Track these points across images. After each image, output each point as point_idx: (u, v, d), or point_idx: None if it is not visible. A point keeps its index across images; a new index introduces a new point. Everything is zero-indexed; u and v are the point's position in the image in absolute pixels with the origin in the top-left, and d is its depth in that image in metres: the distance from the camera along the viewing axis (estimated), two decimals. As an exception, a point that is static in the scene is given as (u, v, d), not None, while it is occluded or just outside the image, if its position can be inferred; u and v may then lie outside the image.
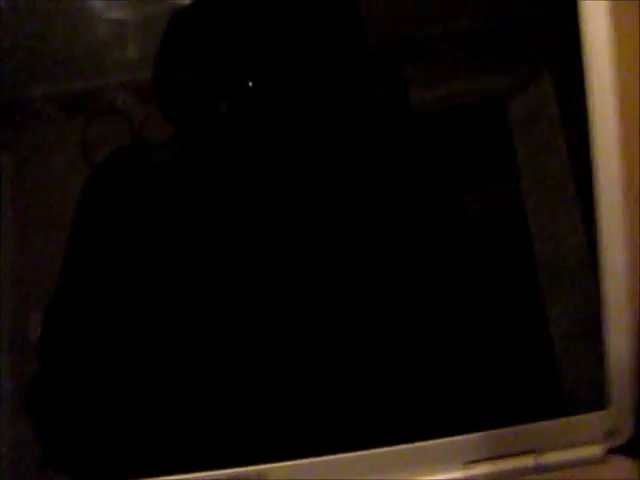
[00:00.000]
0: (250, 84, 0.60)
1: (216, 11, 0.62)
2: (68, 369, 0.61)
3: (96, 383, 0.60)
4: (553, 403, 0.60)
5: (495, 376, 0.60)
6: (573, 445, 0.55)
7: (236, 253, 0.58)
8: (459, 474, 0.56)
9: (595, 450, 0.55)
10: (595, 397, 0.57)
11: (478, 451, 0.56)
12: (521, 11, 0.77)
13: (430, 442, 0.56)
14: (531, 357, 0.62)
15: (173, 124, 0.65)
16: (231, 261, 0.58)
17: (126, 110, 0.73)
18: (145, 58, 0.74)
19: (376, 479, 0.56)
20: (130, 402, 0.59)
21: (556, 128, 0.74)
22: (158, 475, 0.53)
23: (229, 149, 0.62)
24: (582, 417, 0.56)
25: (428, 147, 0.69)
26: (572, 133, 0.71)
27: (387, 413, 0.59)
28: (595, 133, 0.56)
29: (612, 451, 0.56)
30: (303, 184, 0.61)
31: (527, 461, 0.56)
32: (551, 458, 0.56)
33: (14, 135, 0.73)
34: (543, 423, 0.57)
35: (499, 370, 0.60)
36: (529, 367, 0.62)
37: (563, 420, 0.56)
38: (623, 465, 0.55)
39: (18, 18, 0.72)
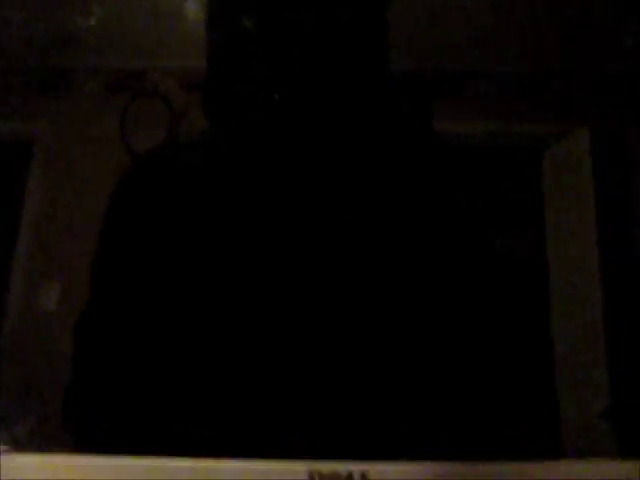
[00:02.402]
0: (276, 96, 0.61)
1: (266, 15, 0.63)
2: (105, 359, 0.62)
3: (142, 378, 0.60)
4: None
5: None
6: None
7: (272, 249, 0.59)
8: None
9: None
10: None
11: None
12: (567, 62, 0.78)
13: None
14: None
15: (214, 119, 0.65)
16: (268, 256, 0.59)
17: (168, 95, 0.74)
18: (193, 47, 0.74)
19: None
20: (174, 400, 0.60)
21: (587, 180, 0.75)
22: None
23: (265, 150, 0.62)
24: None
25: (454, 181, 0.69)
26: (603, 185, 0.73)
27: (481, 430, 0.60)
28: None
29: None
30: (325, 195, 0.62)
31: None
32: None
33: (54, 103, 0.73)
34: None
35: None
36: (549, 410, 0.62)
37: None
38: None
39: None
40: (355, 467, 0.54)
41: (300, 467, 0.54)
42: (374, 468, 0.54)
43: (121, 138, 0.72)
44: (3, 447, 0.52)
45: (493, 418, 0.61)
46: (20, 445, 0.61)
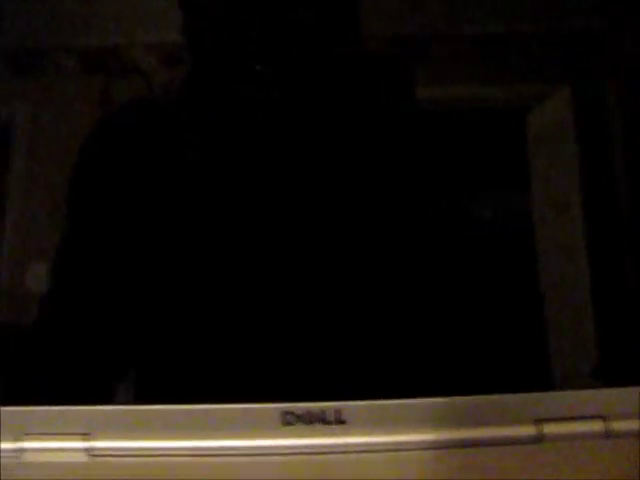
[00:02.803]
0: (258, 68, 0.60)
1: None
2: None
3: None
4: (623, 372, 0.62)
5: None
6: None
7: (237, 208, 0.58)
8: (530, 430, 0.57)
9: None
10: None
11: (549, 410, 0.57)
12: (549, 20, 0.78)
13: (503, 396, 0.57)
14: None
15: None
16: (234, 213, 0.58)
17: (149, 72, 0.73)
18: (173, 20, 0.73)
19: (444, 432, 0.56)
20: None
21: (571, 143, 0.75)
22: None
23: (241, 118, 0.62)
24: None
25: (436, 148, 0.69)
26: (586, 149, 0.72)
27: (461, 363, 0.60)
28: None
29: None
30: (306, 170, 0.61)
31: (597, 425, 0.57)
32: (620, 425, 0.57)
33: (31, 86, 0.72)
34: (613, 390, 0.58)
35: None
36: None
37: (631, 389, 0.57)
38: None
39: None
40: (329, 405, 0.54)
41: (273, 407, 0.54)
42: (348, 405, 0.54)
43: (100, 114, 0.71)
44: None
45: (474, 354, 0.62)
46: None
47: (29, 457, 0.57)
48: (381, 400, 0.56)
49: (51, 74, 0.72)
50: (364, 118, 0.64)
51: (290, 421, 0.55)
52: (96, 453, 0.58)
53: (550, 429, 0.59)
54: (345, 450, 0.56)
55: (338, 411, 0.55)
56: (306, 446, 0.56)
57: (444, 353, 0.62)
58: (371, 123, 0.64)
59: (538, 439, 0.59)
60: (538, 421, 0.60)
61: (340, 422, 0.55)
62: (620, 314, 0.66)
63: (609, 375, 0.63)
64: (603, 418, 0.59)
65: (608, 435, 0.59)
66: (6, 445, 0.58)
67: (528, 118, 0.76)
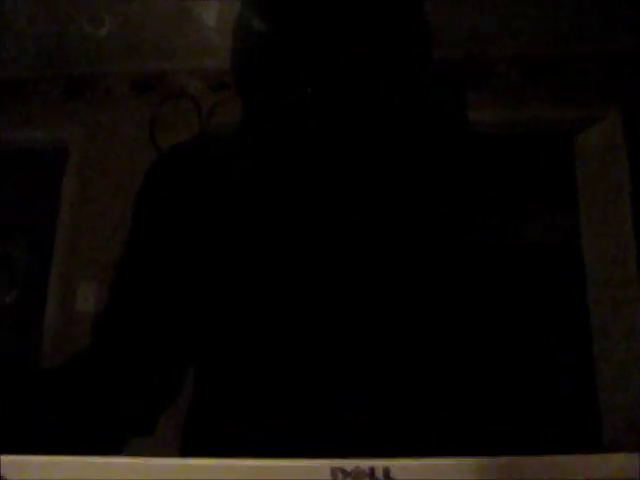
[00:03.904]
0: (309, 90, 0.61)
1: (292, 5, 0.62)
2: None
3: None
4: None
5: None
6: None
7: (303, 244, 0.58)
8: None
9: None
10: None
11: (598, 471, 0.56)
12: (599, 45, 0.77)
13: (555, 457, 0.56)
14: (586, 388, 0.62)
15: (248, 106, 0.65)
16: (301, 251, 0.58)
17: (196, 95, 0.74)
18: (219, 47, 0.75)
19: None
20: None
21: (622, 164, 0.73)
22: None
23: (297, 144, 0.62)
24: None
25: (486, 168, 0.68)
26: (636, 171, 0.71)
27: (513, 423, 0.59)
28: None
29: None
30: (358, 184, 0.61)
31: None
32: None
33: (84, 109, 0.74)
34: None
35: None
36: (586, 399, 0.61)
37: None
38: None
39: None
40: (378, 463, 0.53)
41: (323, 464, 0.54)
42: (397, 464, 0.53)
43: (151, 140, 0.73)
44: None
45: (522, 413, 0.60)
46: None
47: None
48: (430, 459, 0.55)
49: (103, 98, 0.74)
50: (418, 138, 0.64)
51: (339, 477, 0.55)
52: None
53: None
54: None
55: (387, 469, 0.55)
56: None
57: (495, 414, 0.61)
58: (426, 144, 0.64)
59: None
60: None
61: (388, 480, 0.55)
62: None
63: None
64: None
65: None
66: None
67: (577, 140, 0.75)
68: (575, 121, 0.76)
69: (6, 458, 0.52)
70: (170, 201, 0.63)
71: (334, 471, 0.54)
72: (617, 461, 0.55)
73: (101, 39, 0.75)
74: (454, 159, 0.65)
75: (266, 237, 0.59)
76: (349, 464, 0.55)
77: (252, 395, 0.59)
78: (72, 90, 0.74)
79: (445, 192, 0.64)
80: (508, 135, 0.75)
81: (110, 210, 0.73)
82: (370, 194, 0.62)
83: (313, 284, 0.58)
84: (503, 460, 0.57)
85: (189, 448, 0.59)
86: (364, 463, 0.55)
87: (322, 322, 0.57)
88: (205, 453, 0.53)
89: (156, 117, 0.73)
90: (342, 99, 0.61)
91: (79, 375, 0.60)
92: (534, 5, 0.75)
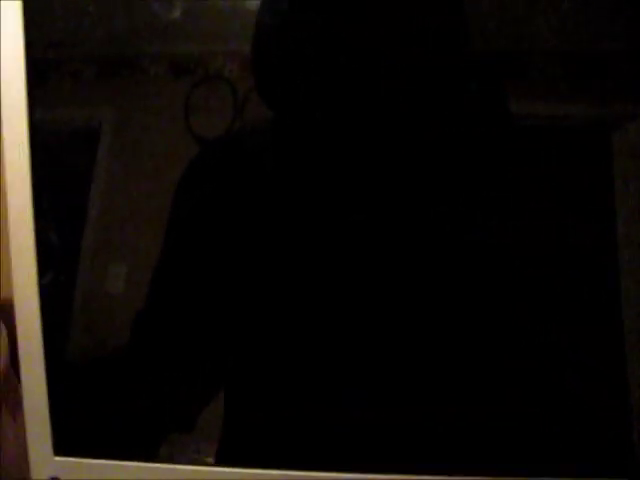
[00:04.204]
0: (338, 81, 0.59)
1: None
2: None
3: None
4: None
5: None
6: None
7: (339, 238, 0.58)
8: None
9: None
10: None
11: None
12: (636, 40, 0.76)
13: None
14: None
15: (272, 107, 0.65)
16: (337, 246, 0.58)
17: (232, 79, 0.73)
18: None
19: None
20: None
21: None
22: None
23: (327, 134, 0.61)
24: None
25: (523, 164, 0.68)
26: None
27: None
28: None
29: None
30: (392, 175, 0.60)
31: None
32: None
33: (119, 90, 0.73)
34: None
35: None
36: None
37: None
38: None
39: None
40: (398, 478, 0.53)
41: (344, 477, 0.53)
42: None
43: (185, 122, 0.72)
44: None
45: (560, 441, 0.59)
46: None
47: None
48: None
49: (138, 79, 0.73)
50: (453, 129, 0.63)
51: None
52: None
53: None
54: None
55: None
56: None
57: (520, 434, 0.60)
58: (461, 137, 0.64)
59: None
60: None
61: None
62: None
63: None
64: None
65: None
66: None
67: (614, 136, 0.74)
68: (613, 117, 0.75)
69: (60, 459, 0.52)
70: (209, 198, 0.63)
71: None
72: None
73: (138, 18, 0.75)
74: (495, 153, 0.64)
75: (299, 235, 0.59)
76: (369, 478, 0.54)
77: (274, 408, 0.58)
78: (110, 71, 0.74)
79: (480, 187, 0.64)
80: (545, 129, 0.74)
81: (142, 193, 0.73)
82: (405, 187, 0.61)
83: (352, 286, 0.57)
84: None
85: (226, 457, 0.58)
86: (385, 477, 0.54)
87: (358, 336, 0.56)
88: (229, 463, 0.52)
89: (191, 100, 0.73)
90: (377, 91, 0.60)
91: (121, 369, 0.60)
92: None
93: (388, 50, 0.60)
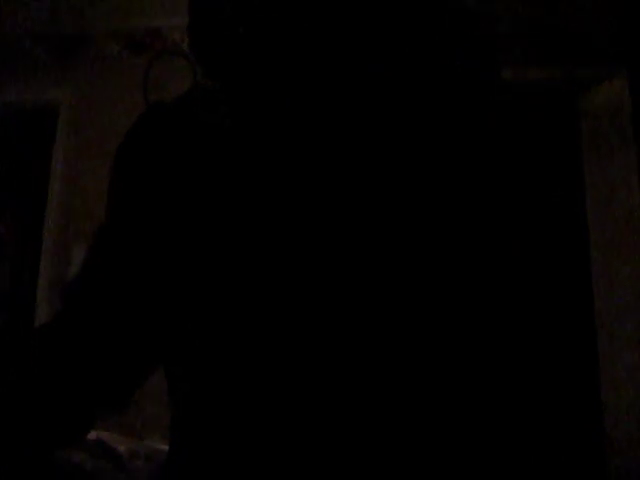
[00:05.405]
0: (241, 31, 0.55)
1: None
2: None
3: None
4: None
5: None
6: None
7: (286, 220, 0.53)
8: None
9: None
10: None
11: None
12: (602, 7, 0.75)
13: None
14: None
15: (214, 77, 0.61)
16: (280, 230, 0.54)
17: (190, 53, 0.72)
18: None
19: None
20: None
21: (627, 126, 0.72)
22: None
23: (276, 106, 0.58)
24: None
25: (490, 129, 0.66)
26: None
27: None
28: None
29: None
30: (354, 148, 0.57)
31: None
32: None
33: (75, 70, 0.72)
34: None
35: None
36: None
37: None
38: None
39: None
40: None
41: None
42: None
43: (144, 97, 0.71)
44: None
45: None
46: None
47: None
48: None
49: (95, 57, 0.72)
50: (417, 101, 0.61)
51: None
52: None
53: None
54: None
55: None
56: None
57: None
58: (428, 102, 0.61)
59: None
60: None
61: None
62: None
63: None
64: None
65: None
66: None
67: (580, 101, 0.73)
68: (581, 81, 0.75)
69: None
70: (150, 163, 0.59)
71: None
72: None
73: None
74: (455, 116, 0.62)
75: (241, 207, 0.54)
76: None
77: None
78: (67, 50, 0.72)
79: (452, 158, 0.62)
80: (512, 94, 0.73)
81: (103, 171, 0.71)
82: (359, 159, 0.58)
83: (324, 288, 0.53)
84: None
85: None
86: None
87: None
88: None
89: (149, 75, 0.71)
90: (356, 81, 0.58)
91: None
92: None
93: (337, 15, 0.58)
